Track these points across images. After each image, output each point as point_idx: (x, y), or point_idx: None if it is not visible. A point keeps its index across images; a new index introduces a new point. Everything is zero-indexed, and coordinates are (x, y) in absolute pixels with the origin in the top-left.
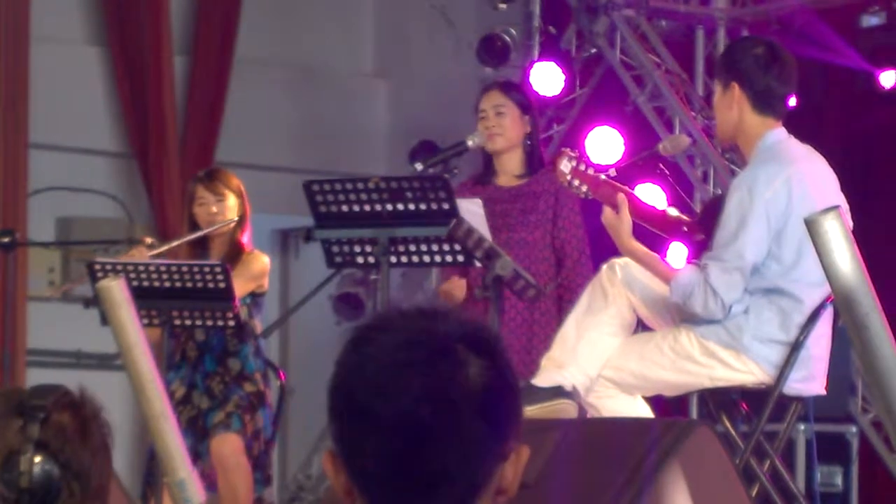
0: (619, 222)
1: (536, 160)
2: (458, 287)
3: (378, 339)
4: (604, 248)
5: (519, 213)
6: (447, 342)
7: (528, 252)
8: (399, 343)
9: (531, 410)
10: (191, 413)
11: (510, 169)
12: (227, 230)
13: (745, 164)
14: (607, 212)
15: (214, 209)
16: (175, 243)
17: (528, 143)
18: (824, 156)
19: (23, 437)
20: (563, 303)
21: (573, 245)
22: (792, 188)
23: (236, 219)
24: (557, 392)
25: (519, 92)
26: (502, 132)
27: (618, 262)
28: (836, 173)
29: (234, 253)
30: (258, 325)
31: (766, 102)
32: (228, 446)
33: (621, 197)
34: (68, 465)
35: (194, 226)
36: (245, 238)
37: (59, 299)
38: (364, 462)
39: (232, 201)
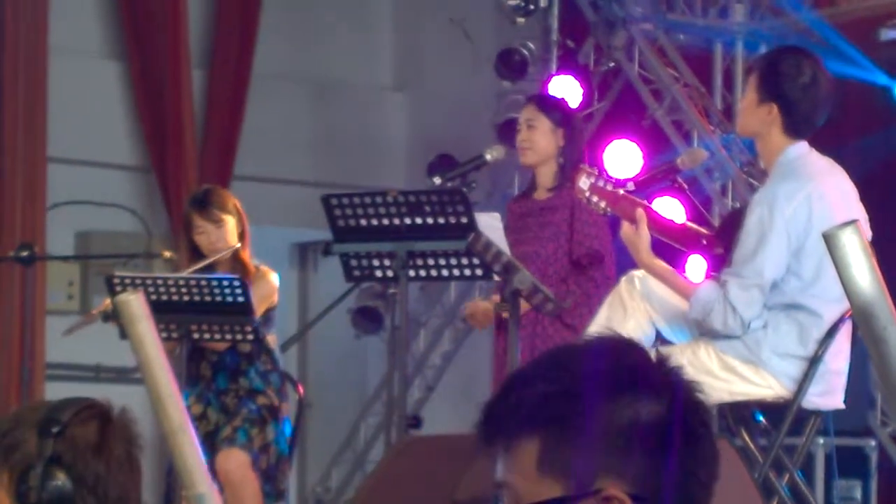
0: (638, 237)
1: (568, 174)
2: (481, 311)
3: (583, 364)
4: (625, 263)
5: (537, 227)
6: (661, 372)
7: (538, 266)
8: (615, 367)
9: None
10: (206, 428)
11: (543, 182)
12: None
13: (763, 177)
14: (626, 227)
15: (214, 238)
16: (184, 274)
17: (562, 157)
18: (843, 168)
19: (37, 452)
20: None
21: (585, 254)
22: (812, 205)
23: (238, 245)
24: None
25: (554, 106)
26: (531, 146)
27: (637, 274)
28: (855, 185)
29: (241, 273)
30: (272, 340)
31: (799, 127)
32: (233, 461)
33: (640, 213)
34: (82, 480)
35: (195, 251)
36: (247, 254)
37: (77, 313)
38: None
39: (231, 224)
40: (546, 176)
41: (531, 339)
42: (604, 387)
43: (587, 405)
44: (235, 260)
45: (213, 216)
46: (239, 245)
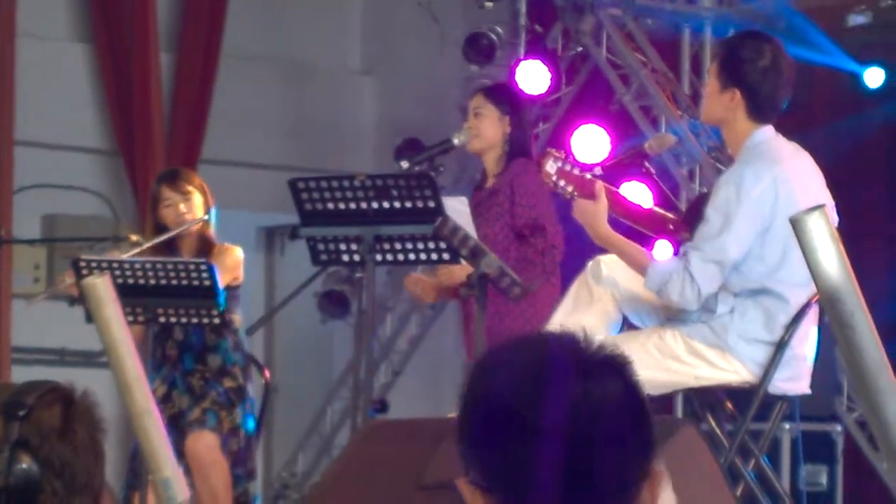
0: (596, 207)
1: (512, 160)
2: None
3: (514, 358)
4: (590, 248)
5: (485, 211)
6: (589, 356)
7: (490, 246)
8: (541, 357)
9: None
10: (171, 411)
11: (490, 169)
12: (195, 228)
13: (730, 163)
14: (581, 201)
15: (183, 208)
16: (147, 245)
17: (507, 144)
18: (810, 153)
19: (3, 435)
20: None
21: (525, 224)
22: (778, 188)
23: (206, 217)
24: None
25: (501, 95)
26: (478, 133)
27: (603, 259)
28: (823, 172)
29: (205, 249)
30: (237, 319)
31: (763, 111)
32: (203, 444)
33: (599, 184)
34: (48, 463)
35: (160, 228)
36: (211, 232)
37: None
38: (525, 478)
39: (198, 199)
40: (491, 162)
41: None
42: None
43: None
44: (200, 238)
45: (182, 188)
46: (206, 217)
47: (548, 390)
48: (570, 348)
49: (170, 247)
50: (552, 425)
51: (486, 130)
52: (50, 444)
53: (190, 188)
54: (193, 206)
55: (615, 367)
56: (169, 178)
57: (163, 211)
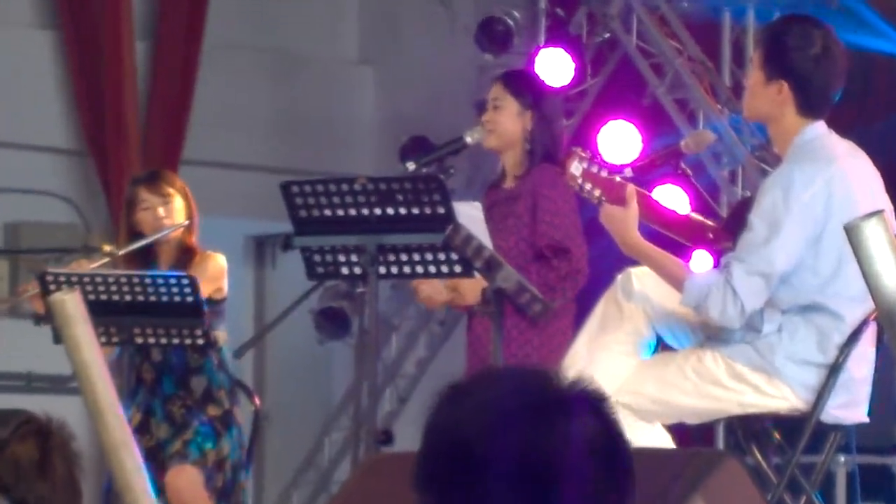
0: (626, 214)
1: (536, 161)
2: (436, 290)
3: (472, 392)
4: (618, 261)
5: (499, 218)
6: (554, 392)
7: None
8: (509, 392)
9: None
10: (149, 443)
11: (510, 169)
12: (175, 236)
13: (777, 162)
14: (608, 206)
15: (162, 212)
16: (121, 252)
17: (528, 142)
18: (866, 152)
19: None
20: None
21: (548, 245)
22: (832, 190)
23: (187, 222)
24: None
25: (523, 84)
26: (494, 128)
27: (634, 271)
28: (881, 173)
29: (186, 257)
30: (221, 336)
31: (814, 104)
32: (184, 479)
33: (630, 188)
34: (23, 502)
35: (135, 234)
36: (193, 240)
37: (5, 315)
38: None
39: (179, 203)
40: (511, 162)
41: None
42: None
43: None
44: (180, 246)
45: (161, 190)
46: (187, 223)
47: (499, 425)
48: (534, 384)
49: (147, 256)
50: (501, 460)
51: (505, 125)
52: (27, 482)
53: (171, 190)
54: (173, 211)
55: (586, 404)
56: (147, 180)
57: (139, 215)
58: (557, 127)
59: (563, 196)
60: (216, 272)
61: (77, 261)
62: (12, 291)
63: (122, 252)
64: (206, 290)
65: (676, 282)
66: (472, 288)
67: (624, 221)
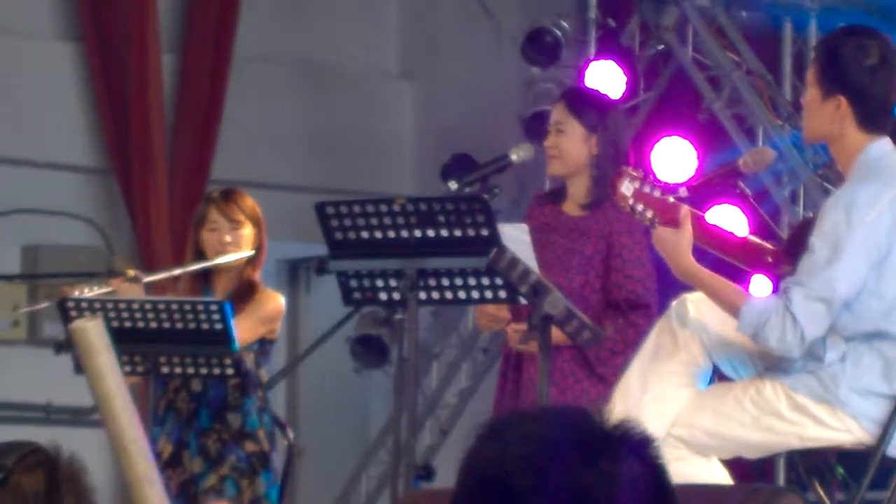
0: (680, 237)
1: (604, 190)
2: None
3: (525, 427)
4: (670, 285)
5: (563, 252)
6: (606, 434)
7: None
8: (553, 429)
9: None
10: (181, 477)
11: (576, 196)
12: (237, 265)
13: (841, 182)
14: (661, 228)
15: (228, 238)
16: (176, 272)
17: (596, 168)
18: None
19: None
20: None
21: (625, 298)
22: None
23: (252, 252)
24: None
25: (589, 106)
26: (559, 154)
27: (689, 297)
28: None
29: (244, 291)
30: (264, 376)
31: (876, 118)
32: None
33: (685, 209)
34: None
35: (199, 253)
36: (257, 275)
37: (24, 343)
38: None
39: (248, 230)
40: (578, 189)
41: (561, 392)
42: None
43: None
44: (240, 278)
45: (232, 213)
46: (252, 253)
47: (543, 461)
48: (579, 422)
49: (203, 281)
50: (543, 498)
51: (570, 151)
52: None
53: (241, 217)
54: (241, 238)
55: (633, 446)
56: (220, 200)
57: (205, 234)
58: (624, 146)
59: (641, 242)
60: (274, 313)
61: (108, 281)
62: (31, 321)
63: (159, 277)
64: (259, 330)
65: (733, 308)
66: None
67: (677, 245)
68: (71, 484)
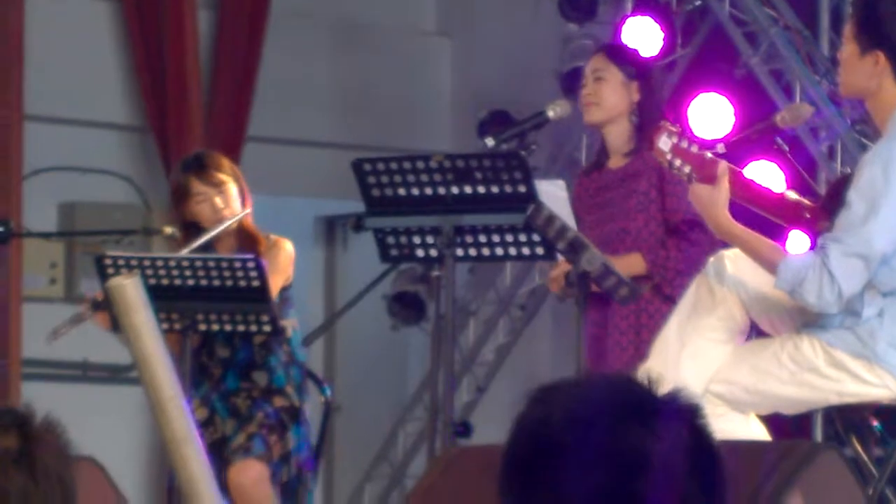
0: (717, 193)
1: (645, 135)
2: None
3: (574, 390)
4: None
5: (620, 199)
6: (653, 399)
7: (630, 244)
8: (601, 392)
9: None
10: (213, 437)
11: (617, 147)
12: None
13: (878, 137)
14: (698, 185)
15: (220, 202)
16: (185, 251)
17: (636, 115)
18: None
19: None
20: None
21: (683, 220)
22: None
23: (248, 210)
24: None
25: (628, 56)
26: (598, 101)
27: (727, 254)
28: None
29: (249, 245)
30: (289, 325)
31: None
32: (248, 475)
33: (723, 166)
34: (5, 495)
35: (190, 226)
36: (253, 225)
37: (62, 300)
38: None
39: (233, 189)
40: (617, 138)
41: (636, 316)
42: None
43: None
44: (241, 233)
45: (214, 179)
46: (248, 210)
47: (589, 423)
48: (627, 387)
49: (205, 250)
50: (589, 460)
51: (609, 98)
52: (6, 472)
53: (222, 177)
54: (230, 199)
55: (680, 413)
56: (196, 168)
57: (195, 208)
58: (662, 99)
59: None
60: (286, 262)
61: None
62: (68, 280)
63: (185, 252)
64: (280, 282)
65: (770, 265)
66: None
67: (714, 201)
68: (46, 442)
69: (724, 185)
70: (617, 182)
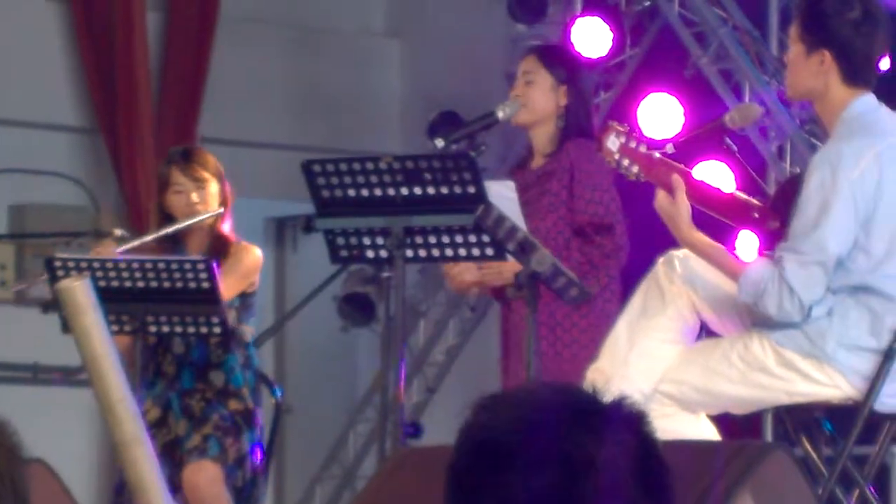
0: (676, 208)
1: (569, 138)
2: (467, 270)
3: (520, 398)
4: (658, 238)
5: (535, 199)
6: (599, 406)
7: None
8: (548, 400)
9: None
10: (166, 438)
11: (540, 147)
12: (207, 223)
13: (827, 138)
14: (661, 196)
15: (195, 197)
16: (149, 237)
17: (562, 119)
18: None
19: None
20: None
21: (589, 222)
22: (883, 166)
23: (221, 210)
24: None
25: (557, 57)
26: (526, 103)
27: (676, 254)
28: None
29: (219, 246)
30: (248, 331)
31: (859, 73)
32: (204, 475)
33: (676, 178)
34: None
35: (166, 217)
36: (227, 228)
37: (11, 303)
38: None
39: (214, 187)
40: (542, 139)
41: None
42: None
43: None
44: (212, 234)
45: (196, 173)
46: (221, 210)
47: (536, 430)
48: (573, 395)
49: (174, 243)
50: (536, 467)
51: (538, 100)
52: None
53: (205, 174)
54: (208, 196)
55: (625, 419)
56: (181, 160)
57: (171, 198)
58: (589, 104)
59: (602, 170)
60: (252, 266)
61: (95, 248)
62: (18, 278)
63: (149, 238)
64: (240, 286)
65: (734, 277)
66: (512, 267)
67: (672, 216)
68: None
69: (682, 199)
70: (534, 181)
